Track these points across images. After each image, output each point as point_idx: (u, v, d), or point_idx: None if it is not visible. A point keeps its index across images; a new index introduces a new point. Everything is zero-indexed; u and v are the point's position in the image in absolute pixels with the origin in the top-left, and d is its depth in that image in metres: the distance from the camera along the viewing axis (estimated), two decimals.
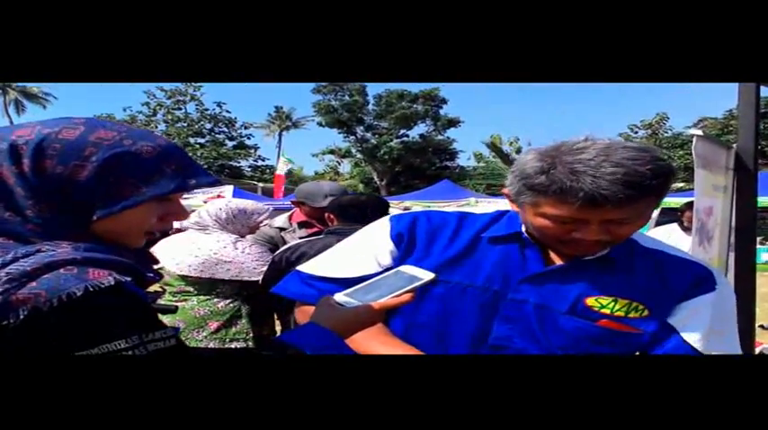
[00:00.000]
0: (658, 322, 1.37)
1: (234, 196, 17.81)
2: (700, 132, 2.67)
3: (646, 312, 1.36)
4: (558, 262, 1.41)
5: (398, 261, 1.46)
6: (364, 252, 1.51)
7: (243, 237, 3.11)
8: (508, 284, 1.40)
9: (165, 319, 2.81)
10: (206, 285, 2.93)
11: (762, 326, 6.70)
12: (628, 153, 1.20)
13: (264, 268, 2.93)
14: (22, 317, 0.80)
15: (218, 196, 17.43)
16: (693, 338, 1.35)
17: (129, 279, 0.89)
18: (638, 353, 1.41)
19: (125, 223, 1.00)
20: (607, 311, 1.35)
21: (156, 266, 2.97)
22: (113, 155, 0.95)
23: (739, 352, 1.42)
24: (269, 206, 3.38)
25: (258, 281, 2.93)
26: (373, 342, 1.37)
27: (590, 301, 1.36)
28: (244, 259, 2.93)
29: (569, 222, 1.27)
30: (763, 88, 3.19)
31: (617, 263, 1.40)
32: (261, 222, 3.21)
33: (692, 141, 2.64)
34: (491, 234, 1.47)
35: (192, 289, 2.94)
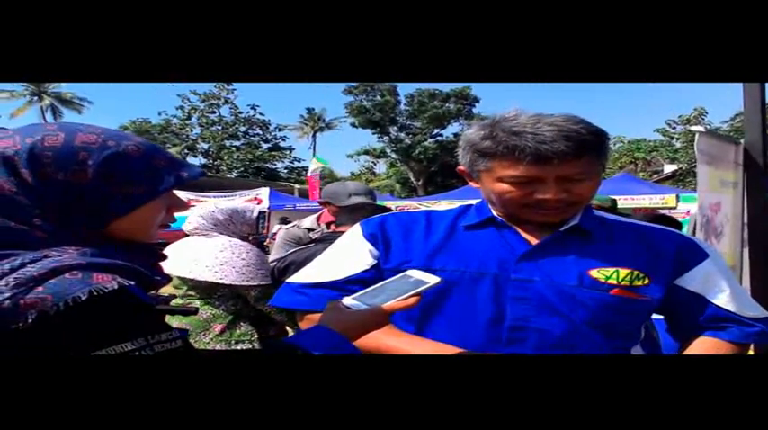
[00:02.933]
0: (662, 289, 1.43)
1: (270, 198, 18.04)
2: (702, 128, 2.69)
3: (647, 280, 1.42)
4: (535, 239, 1.47)
5: (381, 258, 1.52)
6: (345, 256, 1.57)
7: (246, 237, 3.08)
8: (504, 266, 1.43)
9: (170, 321, 2.91)
10: (206, 289, 2.91)
11: None
12: (557, 117, 1.35)
13: (249, 276, 2.87)
14: (29, 321, 0.82)
15: (256, 199, 17.68)
16: (723, 301, 1.44)
17: (132, 283, 0.91)
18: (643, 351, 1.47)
19: (139, 221, 1.03)
20: (614, 281, 1.40)
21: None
22: (107, 156, 0.98)
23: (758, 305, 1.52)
24: (254, 205, 3.38)
25: (237, 286, 2.86)
26: (391, 338, 1.41)
27: (594, 274, 1.41)
28: (233, 266, 2.88)
29: (526, 182, 1.37)
30: None
31: (594, 234, 1.47)
32: (255, 218, 3.19)
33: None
34: (466, 222, 1.53)
35: (193, 292, 2.94)
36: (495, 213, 1.51)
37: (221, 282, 2.83)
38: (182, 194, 1.14)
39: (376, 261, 1.53)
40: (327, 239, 2.91)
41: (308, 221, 3.71)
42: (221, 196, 16.53)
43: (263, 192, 18.46)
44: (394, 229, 1.56)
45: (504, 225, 1.50)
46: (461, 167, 1.52)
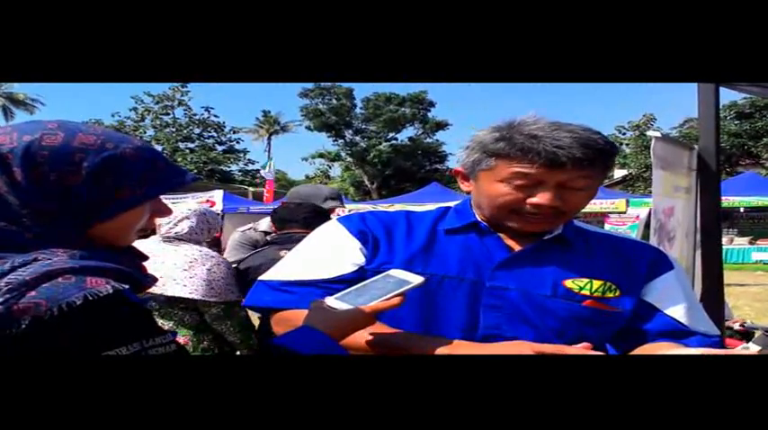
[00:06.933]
0: (632, 301, 1.44)
1: (224, 201, 17.81)
2: (658, 134, 2.72)
3: (618, 292, 1.43)
4: (517, 247, 1.45)
5: (370, 258, 1.47)
6: (334, 253, 1.50)
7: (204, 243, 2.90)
8: (481, 273, 1.42)
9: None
10: (166, 300, 2.67)
11: (743, 325, 6.71)
12: (576, 126, 1.35)
13: (216, 292, 2.67)
14: (23, 326, 0.80)
15: (209, 201, 17.42)
16: (677, 314, 1.44)
17: (126, 286, 0.90)
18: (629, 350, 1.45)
19: (122, 225, 1.01)
20: (587, 292, 1.41)
21: None
22: (103, 159, 0.96)
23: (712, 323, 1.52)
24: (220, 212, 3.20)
25: (203, 301, 2.66)
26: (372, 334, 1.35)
27: (568, 284, 1.41)
28: (203, 279, 2.66)
29: (526, 185, 1.35)
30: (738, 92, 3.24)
31: (574, 244, 1.47)
32: (219, 226, 3.04)
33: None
34: (447, 226, 1.50)
35: (153, 302, 2.68)
36: (478, 218, 1.49)
37: (190, 296, 2.61)
38: None
39: (365, 260, 1.48)
40: (279, 241, 2.88)
41: (265, 224, 3.68)
42: (173, 199, 16.24)
43: (217, 195, 18.22)
44: (378, 229, 1.52)
45: (488, 231, 1.48)
46: (458, 168, 1.50)
